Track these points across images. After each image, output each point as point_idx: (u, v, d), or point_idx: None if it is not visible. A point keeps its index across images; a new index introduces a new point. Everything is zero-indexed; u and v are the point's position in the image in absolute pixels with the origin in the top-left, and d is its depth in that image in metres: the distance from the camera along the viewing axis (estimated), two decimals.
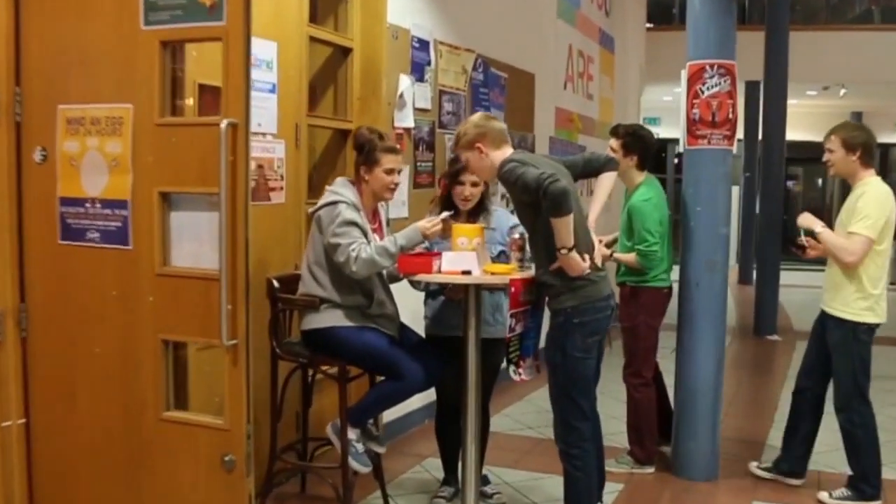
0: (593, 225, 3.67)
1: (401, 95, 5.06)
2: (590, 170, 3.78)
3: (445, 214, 3.76)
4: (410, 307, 4.15)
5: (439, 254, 3.70)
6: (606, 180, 3.76)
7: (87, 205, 3.19)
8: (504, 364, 3.69)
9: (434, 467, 4.55)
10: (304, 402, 4.13)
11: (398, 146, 3.95)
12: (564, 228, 3.31)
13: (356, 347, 3.71)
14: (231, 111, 2.89)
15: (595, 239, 3.61)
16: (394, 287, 3.95)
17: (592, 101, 8.89)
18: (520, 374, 3.62)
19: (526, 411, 5.92)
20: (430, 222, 3.70)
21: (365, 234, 3.68)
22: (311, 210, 3.81)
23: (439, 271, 3.62)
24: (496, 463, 4.70)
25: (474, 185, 3.95)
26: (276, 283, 3.88)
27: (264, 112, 4.16)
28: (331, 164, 4.94)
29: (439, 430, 4.29)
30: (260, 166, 4.14)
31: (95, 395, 3.24)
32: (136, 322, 3.12)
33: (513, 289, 3.48)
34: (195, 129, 3.05)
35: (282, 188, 4.33)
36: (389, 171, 3.79)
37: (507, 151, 3.56)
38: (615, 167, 3.82)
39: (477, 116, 3.71)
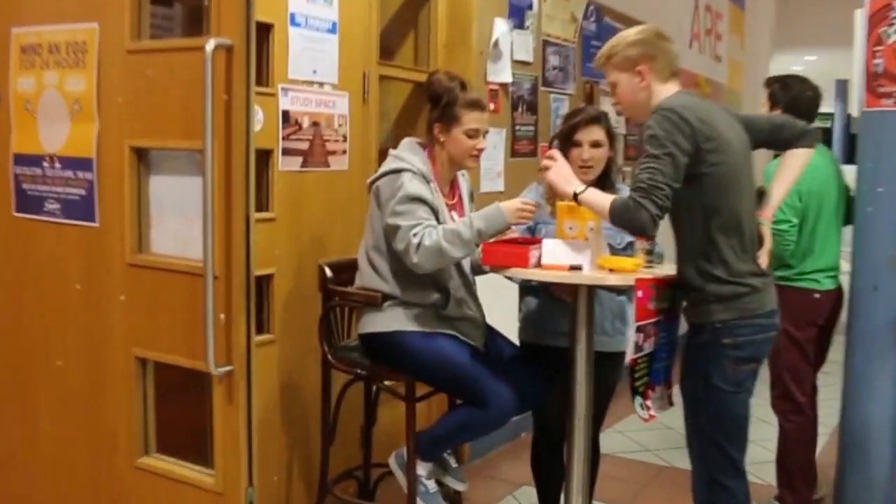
0: (771, 215, 2.70)
1: (495, 44, 4.25)
2: (778, 139, 2.77)
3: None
4: (502, 306, 3.27)
5: (539, 240, 2.78)
6: (797, 158, 2.75)
7: (45, 164, 2.39)
8: (629, 393, 2.75)
9: (530, 498, 3.64)
10: (367, 419, 3.30)
11: (484, 101, 3.03)
12: (597, 206, 2.56)
13: (427, 360, 2.85)
14: (224, 28, 2.01)
15: (766, 233, 2.64)
16: (480, 280, 3.07)
17: (721, 63, 7.80)
18: (648, 410, 2.68)
19: (643, 427, 4.92)
20: (524, 204, 2.79)
21: (435, 214, 2.80)
22: (369, 180, 2.95)
23: (538, 265, 2.70)
24: (606, 497, 3.76)
25: (595, 145, 3.02)
26: (328, 272, 3.04)
27: (322, 57, 3.35)
28: (409, 125, 4.14)
29: (536, 461, 3.38)
30: (315, 123, 3.32)
31: (59, 423, 2.46)
32: (103, 329, 2.31)
33: (640, 292, 2.54)
34: (177, 55, 2.18)
35: (344, 152, 3.50)
36: (472, 133, 2.90)
37: (672, 89, 2.61)
38: (813, 143, 2.78)
39: (644, 30, 2.71)
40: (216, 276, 1.96)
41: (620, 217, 2.44)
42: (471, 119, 2.90)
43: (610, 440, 4.49)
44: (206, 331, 1.97)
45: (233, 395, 2.03)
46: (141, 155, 2.24)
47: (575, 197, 2.61)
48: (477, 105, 2.93)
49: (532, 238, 2.94)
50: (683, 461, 2.76)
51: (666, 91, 2.58)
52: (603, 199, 2.54)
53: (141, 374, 2.28)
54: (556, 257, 2.67)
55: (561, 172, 2.68)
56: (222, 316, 2.01)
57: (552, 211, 2.96)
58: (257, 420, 2.11)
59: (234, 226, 1.95)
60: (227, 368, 2.05)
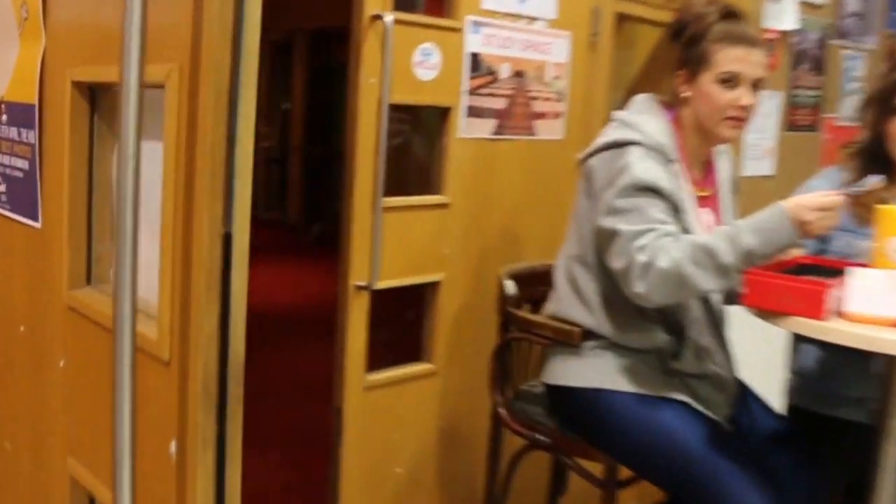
0: None
1: None
2: None
3: (869, 185, 1.84)
4: (762, 352, 2.28)
5: (839, 265, 1.76)
6: None
7: None
8: None
9: None
10: (553, 490, 2.43)
11: (755, 35, 1.99)
12: None
13: (641, 438, 1.91)
14: None
15: None
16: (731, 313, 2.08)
17: None
18: None
19: None
20: (824, 199, 1.74)
21: (676, 214, 1.83)
22: (580, 155, 2.01)
23: (838, 314, 1.67)
24: None
25: None
26: (510, 287, 2.15)
27: None
28: (657, 84, 3.16)
29: None
30: (518, 73, 2.50)
31: None
32: (44, 408, 1.43)
33: None
34: None
35: (558, 115, 2.64)
36: (728, 80, 1.88)
37: None
38: None
39: None
40: (164, 362, 1.04)
41: None
42: (729, 58, 1.88)
43: None
44: (117, 477, 1.01)
45: None
46: (95, 98, 1.30)
47: None
48: (741, 38, 1.91)
49: (826, 260, 1.91)
50: None
51: None
52: None
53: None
54: (874, 302, 1.63)
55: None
56: (172, 445, 1.06)
57: (861, 214, 1.95)
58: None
59: (195, 253, 0.95)
60: None
